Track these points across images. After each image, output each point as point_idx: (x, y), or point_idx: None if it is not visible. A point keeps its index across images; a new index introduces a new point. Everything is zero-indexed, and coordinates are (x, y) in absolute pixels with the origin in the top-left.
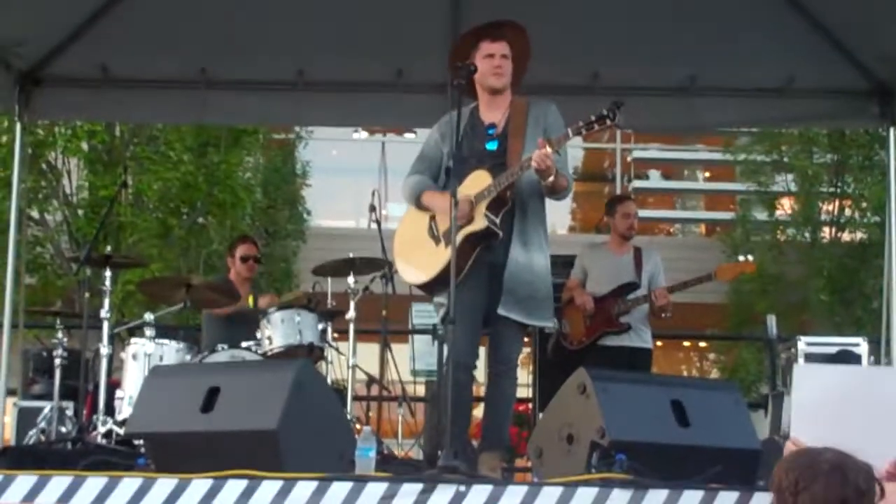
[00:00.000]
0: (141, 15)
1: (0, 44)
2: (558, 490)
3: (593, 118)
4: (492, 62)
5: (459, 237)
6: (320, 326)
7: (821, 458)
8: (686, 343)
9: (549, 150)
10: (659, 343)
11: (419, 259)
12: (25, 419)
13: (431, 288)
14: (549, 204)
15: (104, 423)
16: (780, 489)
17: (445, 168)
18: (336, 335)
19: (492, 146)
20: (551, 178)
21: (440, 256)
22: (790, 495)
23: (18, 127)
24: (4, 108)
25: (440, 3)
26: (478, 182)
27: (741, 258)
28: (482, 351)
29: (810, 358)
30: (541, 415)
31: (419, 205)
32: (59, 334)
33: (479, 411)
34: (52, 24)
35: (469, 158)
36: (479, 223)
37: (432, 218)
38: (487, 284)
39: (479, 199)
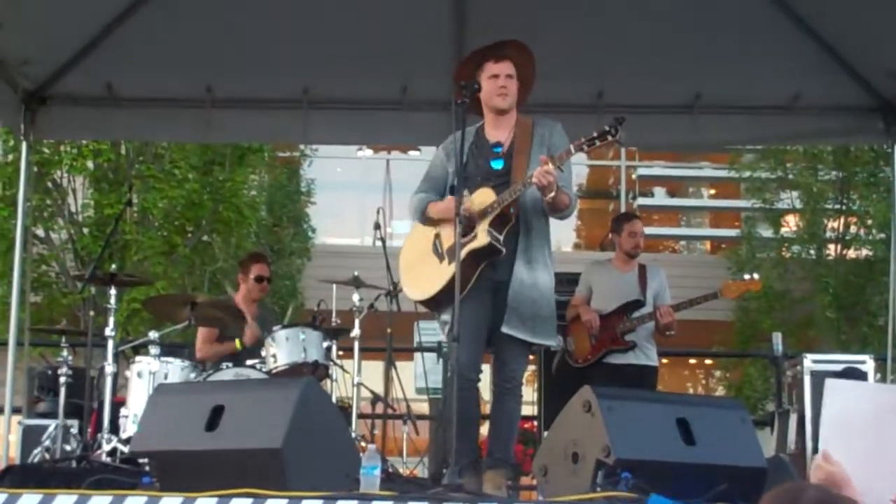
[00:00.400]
0: (146, 34)
1: (6, 63)
2: None
3: (595, 134)
4: (496, 83)
5: (462, 254)
6: (325, 344)
7: (804, 495)
8: (692, 360)
9: (550, 166)
10: (665, 360)
11: (422, 276)
12: (30, 437)
13: (434, 304)
14: (554, 221)
15: (109, 441)
16: None
17: (450, 187)
18: (341, 353)
19: (497, 165)
20: (552, 194)
21: (443, 273)
22: None
23: (24, 145)
24: (11, 126)
25: (444, 21)
26: (482, 199)
27: (746, 276)
28: (487, 369)
29: (816, 375)
30: (546, 433)
31: (426, 218)
32: (64, 352)
33: (484, 429)
34: (57, 43)
35: (474, 177)
36: (482, 240)
37: (437, 236)
38: (491, 302)
39: (482, 217)
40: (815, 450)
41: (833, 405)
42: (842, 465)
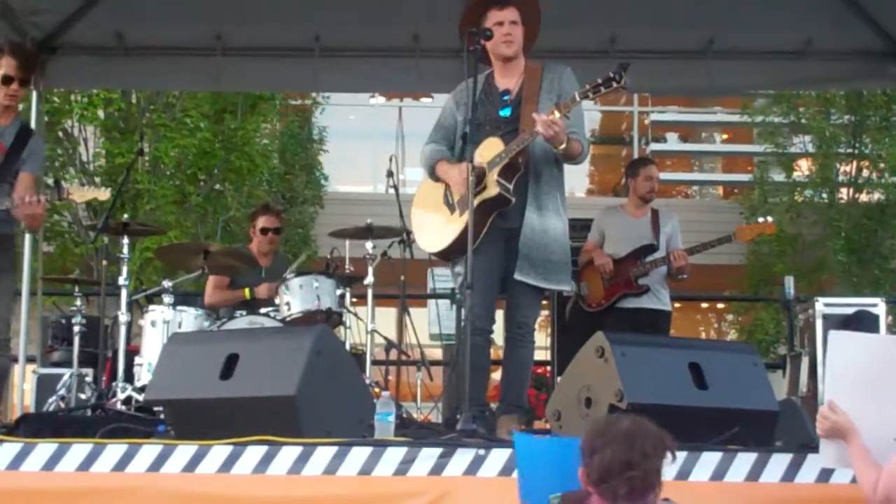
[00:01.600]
0: None
1: (15, 13)
2: None
3: (599, 81)
4: (501, 30)
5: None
6: (339, 292)
7: (616, 425)
8: (704, 304)
9: (555, 115)
10: (677, 304)
11: (435, 227)
12: (45, 386)
13: (447, 255)
14: (567, 168)
15: (123, 389)
16: (582, 450)
17: (461, 135)
18: (354, 300)
19: (505, 112)
20: (563, 146)
21: (455, 224)
22: (587, 456)
23: (35, 95)
24: None
25: None
26: (490, 149)
27: (761, 219)
28: (500, 315)
29: (828, 319)
30: (559, 377)
31: (434, 176)
32: (78, 302)
33: (497, 374)
34: None
35: (484, 125)
36: (492, 190)
37: (447, 186)
38: (504, 250)
39: (491, 167)
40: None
41: (836, 357)
42: (847, 414)
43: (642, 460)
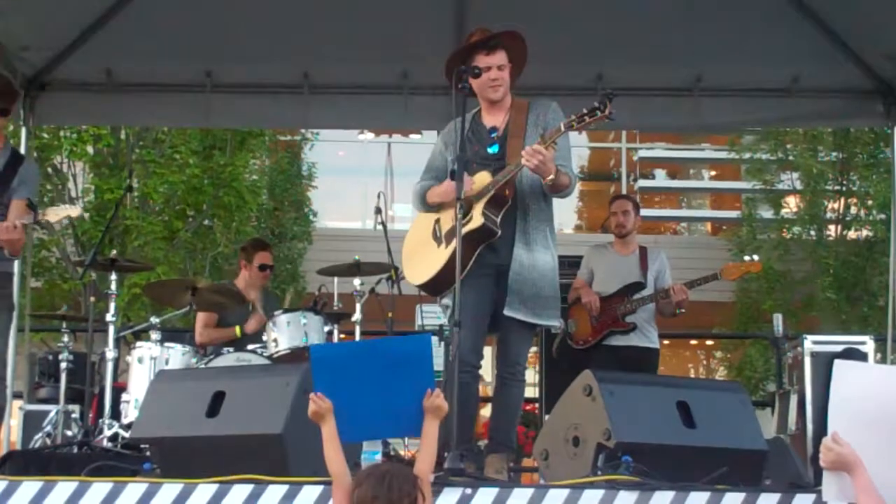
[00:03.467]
0: (145, 19)
1: (5, 49)
2: (564, 492)
3: (585, 111)
4: (488, 75)
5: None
6: (326, 329)
7: (379, 468)
8: (693, 341)
9: (538, 146)
10: (666, 341)
11: (422, 261)
12: (31, 423)
13: (433, 288)
14: (556, 203)
15: (110, 426)
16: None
17: (450, 172)
18: (342, 336)
19: (494, 149)
20: (551, 177)
21: (441, 256)
22: (353, 488)
23: (24, 131)
24: None
25: (445, 4)
26: (479, 183)
27: (747, 258)
28: (490, 352)
29: (816, 356)
30: (547, 415)
31: (427, 204)
32: (65, 338)
33: (486, 411)
34: (56, 29)
35: (472, 162)
36: (477, 221)
37: (436, 221)
38: (493, 286)
39: (477, 198)
40: (816, 431)
41: (841, 388)
42: (850, 446)
43: (387, 495)
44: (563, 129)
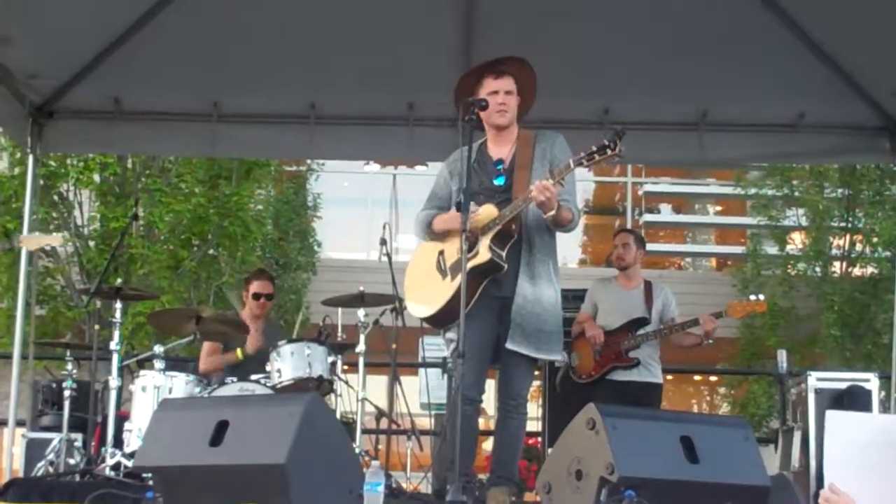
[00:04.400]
0: (153, 48)
1: (14, 77)
2: None
3: (594, 148)
4: (495, 99)
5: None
6: (330, 359)
7: None
8: (697, 377)
9: (548, 181)
10: (669, 377)
11: (426, 293)
12: (34, 451)
13: (437, 321)
14: (560, 237)
15: (113, 455)
16: None
17: (455, 204)
18: (346, 367)
19: (499, 181)
20: (552, 212)
21: (446, 289)
22: None
23: (31, 159)
24: (18, 140)
25: (451, 37)
26: (485, 216)
27: (752, 297)
28: (492, 384)
29: (820, 393)
30: (549, 449)
31: (430, 233)
32: (69, 366)
33: (488, 444)
34: (64, 57)
35: (477, 194)
36: (484, 256)
37: (440, 253)
38: (497, 319)
39: (483, 232)
40: (819, 468)
41: (834, 438)
42: (848, 496)
43: None
44: (572, 165)
